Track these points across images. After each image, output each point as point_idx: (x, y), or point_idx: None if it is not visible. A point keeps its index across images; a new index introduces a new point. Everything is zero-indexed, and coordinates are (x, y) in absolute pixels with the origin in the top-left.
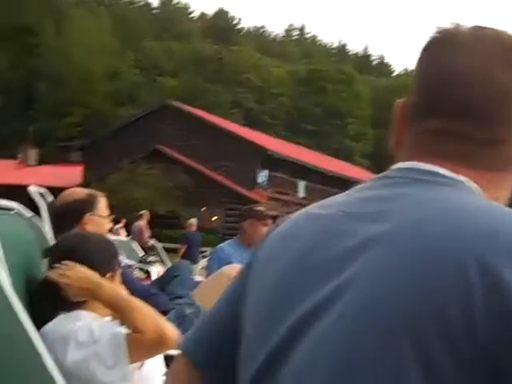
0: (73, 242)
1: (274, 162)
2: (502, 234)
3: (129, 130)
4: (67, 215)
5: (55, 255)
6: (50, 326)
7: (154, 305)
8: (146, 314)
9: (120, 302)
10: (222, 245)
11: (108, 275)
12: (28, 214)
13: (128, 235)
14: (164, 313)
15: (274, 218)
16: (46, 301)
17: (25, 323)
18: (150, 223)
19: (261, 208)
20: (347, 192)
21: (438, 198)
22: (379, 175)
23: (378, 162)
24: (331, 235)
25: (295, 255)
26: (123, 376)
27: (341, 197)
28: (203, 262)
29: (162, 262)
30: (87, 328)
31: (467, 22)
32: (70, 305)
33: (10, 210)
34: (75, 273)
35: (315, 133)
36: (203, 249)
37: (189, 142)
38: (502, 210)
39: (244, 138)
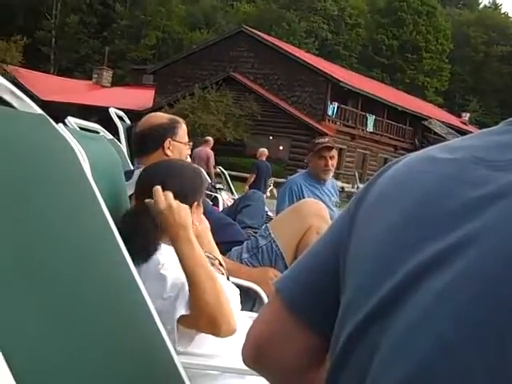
0: (164, 169)
1: (345, 95)
2: None
3: (202, 55)
4: (149, 139)
5: (145, 183)
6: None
7: (229, 234)
8: (210, 297)
9: (193, 267)
10: (294, 176)
11: (195, 204)
12: (109, 136)
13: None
14: (239, 243)
15: (329, 148)
16: (135, 231)
17: (125, 254)
18: (215, 150)
19: (320, 140)
20: (475, 135)
21: None
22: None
23: (452, 100)
24: (458, 182)
25: (413, 201)
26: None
27: (469, 140)
28: (267, 192)
29: (229, 189)
30: (161, 279)
31: None
32: (157, 236)
33: (96, 132)
34: (177, 209)
35: (389, 66)
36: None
37: (261, 70)
38: None
39: (317, 69)
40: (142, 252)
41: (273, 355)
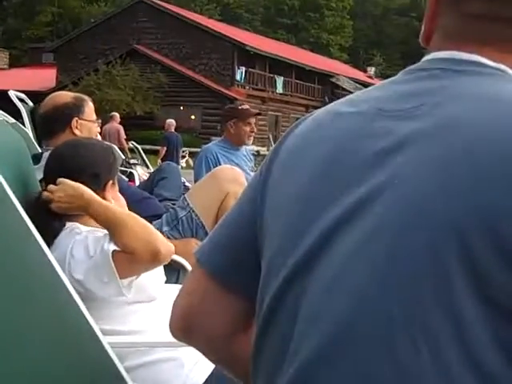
0: (72, 150)
1: (252, 58)
2: None
3: (102, 29)
4: (55, 119)
5: (53, 166)
6: (53, 246)
7: (147, 209)
8: (138, 231)
9: (111, 219)
10: (209, 145)
11: (110, 183)
12: (11, 119)
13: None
14: (158, 216)
15: (258, 115)
16: (44, 216)
17: (38, 238)
18: (125, 125)
19: (244, 106)
20: (377, 86)
21: (481, 90)
22: (412, 67)
23: (356, 56)
24: (364, 135)
25: (323, 158)
26: (118, 291)
27: (372, 91)
28: (182, 163)
29: (144, 163)
30: (83, 244)
31: None
32: (66, 218)
33: None
34: (65, 190)
35: (292, 27)
36: (183, 149)
37: (165, 40)
38: None
39: (221, 34)
40: (55, 233)
41: (200, 324)
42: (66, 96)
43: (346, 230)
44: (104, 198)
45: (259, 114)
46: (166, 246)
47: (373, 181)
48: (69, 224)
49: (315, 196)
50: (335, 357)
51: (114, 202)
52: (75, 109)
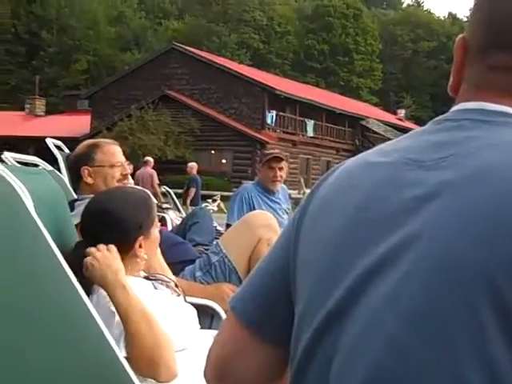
0: (104, 204)
1: (282, 102)
2: None
3: (136, 75)
4: (70, 170)
5: (87, 222)
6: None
7: (180, 253)
8: (146, 346)
9: (127, 317)
10: (247, 185)
11: (140, 239)
12: (49, 167)
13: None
14: (191, 261)
15: (278, 159)
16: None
17: (79, 290)
18: (158, 169)
19: (270, 151)
20: (408, 136)
21: (509, 140)
22: (441, 117)
23: (386, 98)
24: (395, 184)
25: (355, 207)
26: None
27: (402, 141)
28: (214, 207)
29: (176, 208)
30: (110, 315)
31: None
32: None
33: (35, 165)
34: (102, 256)
35: (322, 71)
36: (214, 192)
37: (197, 85)
38: None
39: (252, 79)
40: (90, 286)
41: (234, 373)
42: (81, 146)
43: (377, 281)
44: (135, 253)
45: (280, 158)
46: (169, 372)
47: (403, 231)
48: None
49: (347, 245)
50: None
51: (149, 254)
52: (84, 157)
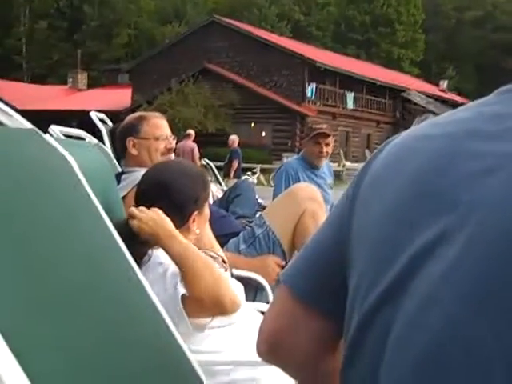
0: (151, 181)
1: (322, 75)
2: None
3: (175, 49)
4: (117, 142)
5: (142, 191)
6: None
7: (223, 227)
8: (206, 282)
9: (184, 262)
10: (290, 160)
11: (195, 213)
12: (94, 140)
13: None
14: (235, 234)
15: (324, 135)
16: (130, 240)
17: (130, 260)
18: (198, 142)
19: (317, 126)
20: (466, 107)
21: None
22: (503, 88)
23: (428, 70)
24: (453, 156)
25: (411, 180)
26: (187, 331)
27: (459, 113)
28: (254, 179)
29: (217, 181)
30: (162, 278)
31: None
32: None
33: (82, 138)
34: (148, 216)
35: (363, 42)
36: (254, 165)
37: (236, 58)
38: None
39: (291, 51)
40: (143, 256)
41: (288, 346)
42: (129, 117)
43: (438, 253)
44: (188, 227)
45: (327, 134)
46: (233, 299)
47: (464, 205)
48: (155, 250)
49: (403, 220)
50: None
51: (201, 229)
52: (130, 129)
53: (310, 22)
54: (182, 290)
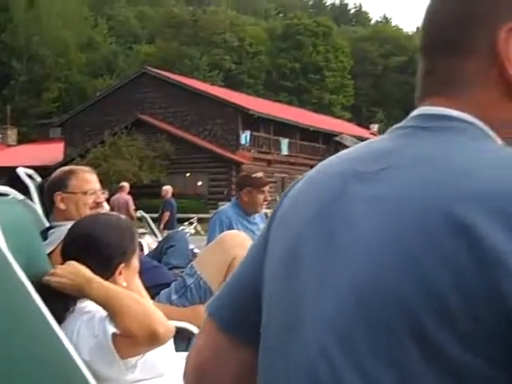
0: (77, 234)
1: (256, 122)
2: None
3: (107, 101)
4: (45, 196)
5: (67, 246)
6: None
7: (155, 278)
8: (136, 314)
9: (110, 301)
10: (224, 207)
11: (121, 266)
12: (20, 196)
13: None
14: (166, 285)
15: (272, 183)
16: (53, 295)
17: (48, 317)
18: (133, 194)
19: (258, 175)
20: (363, 143)
21: (434, 153)
22: (395, 125)
23: (359, 114)
24: (338, 198)
25: (304, 221)
26: (121, 372)
27: (354, 150)
28: (191, 230)
29: (152, 232)
30: (90, 324)
31: None
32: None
33: (5, 194)
34: (65, 270)
35: (295, 89)
36: (190, 215)
37: (170, 108)
38: (497, 160)
39: (224, 100)
40: (67, 310)
41: (213, 376)
42: (57, 172)
43: (315, 303)
44: (115, 280)
45: (274, 182)
46: (165, 326)
47: (337, 251)
48: (79, 303)
49: (293, 262)
50: None
51: (129, 282)
52: (58, 183)
53: (242, 70)
54: (111, 329)
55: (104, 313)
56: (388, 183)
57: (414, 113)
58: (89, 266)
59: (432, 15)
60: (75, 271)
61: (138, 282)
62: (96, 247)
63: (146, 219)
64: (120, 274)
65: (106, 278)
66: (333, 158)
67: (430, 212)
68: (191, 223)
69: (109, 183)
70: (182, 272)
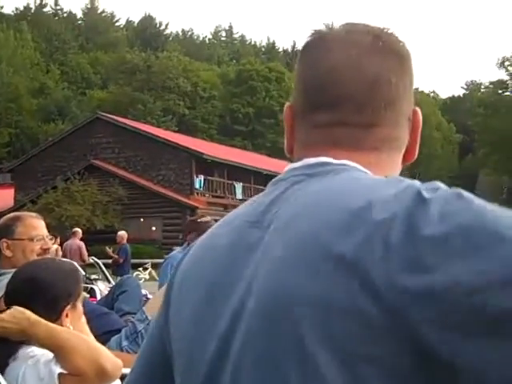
0: (22, 278)
1: (210, 167)
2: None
3: (60, 146)
4: None
5: (12, 291)
6: (6, 371)
7: (105, 324)
8: (83, 353)
9: (55, 342)
10: (174, 253)
11: (68, 307)
12: None
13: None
14: (117, 331)
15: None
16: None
17: None
18: (86, 240)
19: (203, 219)
20: (249, 202)
21: (317, 188)
22: (275, 178)
23: None
24: (237, 250)
25: (205, 284)
26: None
27: (243, 207)
28: (145, 275)
29: (105, 278)
30: (35, 368)
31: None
32: (24, 342)
33: None
34: (9, 315)
35: (248, 133)
36: (145, 260)
37: (123, 153)
38: (369, 181)
39: (178, 145)
40: (10, 355)
41: None
42: (3, 218)
43: (225, 363)
44: (61, 323)
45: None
46: (113, 363)
47: (237, 296)
48: (25, 349)
49: (199, 327)
50: None
51: (75, 324)
52: (4, 230)
53: (196, 115)
54: (58, 370)
55: (49, 355)
56: (279, 223)
57: (295, 165)
58: (34, 311)
59: (330, 72)
60: (19, 315)
61: (86, 329)
62: (41, 290)
63: (98, 265)
64: (66, 316)
65: (53, 321)
66: (220, 221)
67: (307, 243)
68: (145, 268)
69: (61, 229)
70: (133, 317)
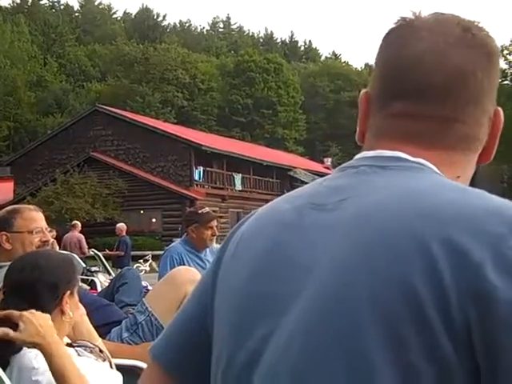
0: (29, 264)
1: (209, 158)
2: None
3: (59, 139)
4: None
5: (8, 282)
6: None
7: (105, 316)
8: None
9: (59, 370)
10: (174, 244)
11: (67, 293)
12: None
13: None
14: (117, 322)
15: (219, 218)
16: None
17: None
18: (86, 232)
19: (204, 210)
20: (313, 183)
21: (396, 183)
22: (344, 165)
23: (313, 148)
24: (296, 228)
25: (261, 255)
26: None
27: (307, 188)
28: (146, 267)
29: (106, 270)
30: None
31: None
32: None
33: None
34: (29, 325)
35: (247, 124)
36: (145, 252)
37: (122, 146)
38: (456, 187)
39: (177, 137)
40: (8, 357)
41: None
42: (2, 211)
43: (276, 333)
44: (62, 309)
45: (220, 216)
46: None
47: (301, 273)
48: (26, 353)
49: (254, 295)
50: None
51: (73, 314)
52: (2, 223)
53: (194, 106)
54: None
55: (50, 379)
56: (349, 209)
57: (368, 154)
58: (35, 297)
59: (417, 60)
60: (37, 331)
61: (87, 321)
62: (43, 274)
63: (99, 257)
64: (66, 302)
65: (55, 306)
66: (281, 197)
67: (391, 228)
68: (146, 260)
69: (61, 222)
70: (133, 309)
